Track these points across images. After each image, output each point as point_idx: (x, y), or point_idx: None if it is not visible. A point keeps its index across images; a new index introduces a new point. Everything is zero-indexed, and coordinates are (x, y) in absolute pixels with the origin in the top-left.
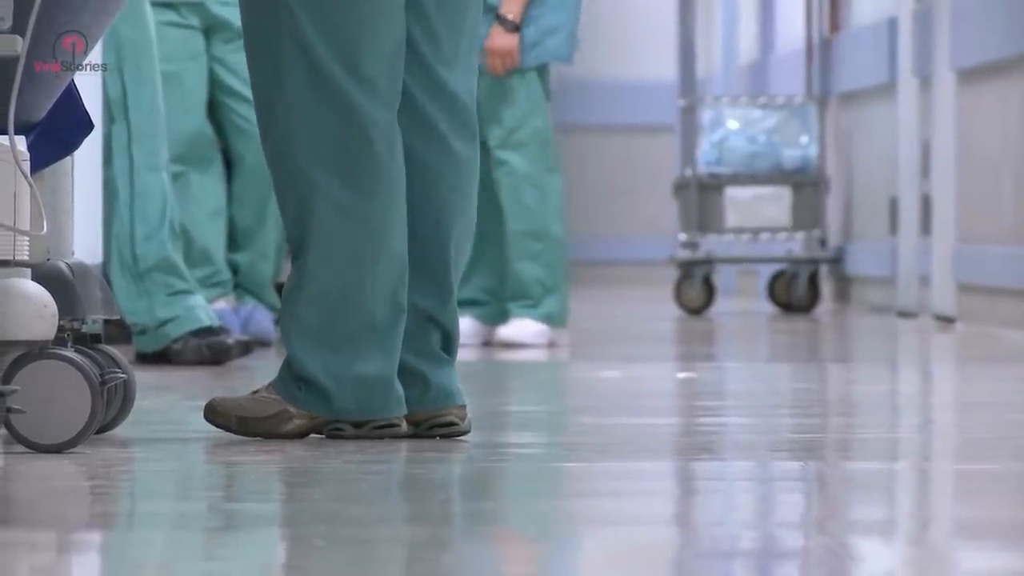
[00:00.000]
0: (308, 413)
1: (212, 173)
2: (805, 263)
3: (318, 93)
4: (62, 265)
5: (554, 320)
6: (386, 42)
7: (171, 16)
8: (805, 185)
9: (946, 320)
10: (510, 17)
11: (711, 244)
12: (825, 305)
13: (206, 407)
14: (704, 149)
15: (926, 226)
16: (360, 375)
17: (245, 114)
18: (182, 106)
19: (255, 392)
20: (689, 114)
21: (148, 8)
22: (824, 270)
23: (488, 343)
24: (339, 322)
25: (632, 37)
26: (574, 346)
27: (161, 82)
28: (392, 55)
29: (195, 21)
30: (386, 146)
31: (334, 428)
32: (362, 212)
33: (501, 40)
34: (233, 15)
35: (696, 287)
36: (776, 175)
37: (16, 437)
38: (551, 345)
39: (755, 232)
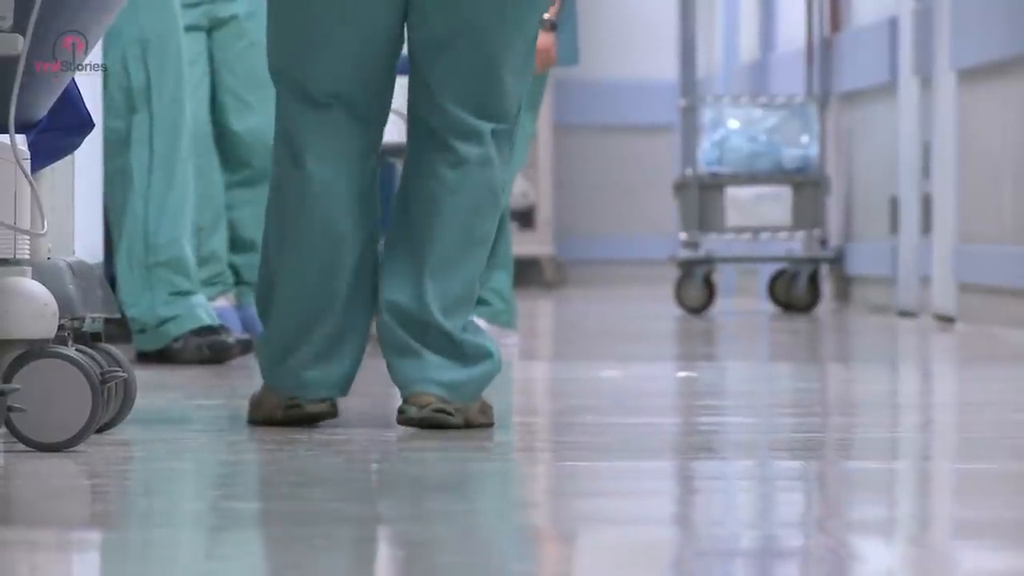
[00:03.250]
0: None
1: (217, 173)
2: (805, 262)
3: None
4: (63, 264)
5: (496, 319)
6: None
7: (184, 19)
8: (806, 185)
9: (946, 320)
10: (546, 16)
11: (711, 243)
12: (825, 305)
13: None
14: (705, 149)
15: (926, 226)
16: (272, 347)
17: (244, 116)
18: None
19: None
20: (690, 114)
21: None
22: (824, 270)
23: None
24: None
25: (633, 37)
26: (560, 345)
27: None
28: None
29: (204, 22)
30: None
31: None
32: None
33: (539, 39)
34: (237, 8)
35: (696, 286)
36: (776, 175)
37: (17, 436)
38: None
39: (755, 232)
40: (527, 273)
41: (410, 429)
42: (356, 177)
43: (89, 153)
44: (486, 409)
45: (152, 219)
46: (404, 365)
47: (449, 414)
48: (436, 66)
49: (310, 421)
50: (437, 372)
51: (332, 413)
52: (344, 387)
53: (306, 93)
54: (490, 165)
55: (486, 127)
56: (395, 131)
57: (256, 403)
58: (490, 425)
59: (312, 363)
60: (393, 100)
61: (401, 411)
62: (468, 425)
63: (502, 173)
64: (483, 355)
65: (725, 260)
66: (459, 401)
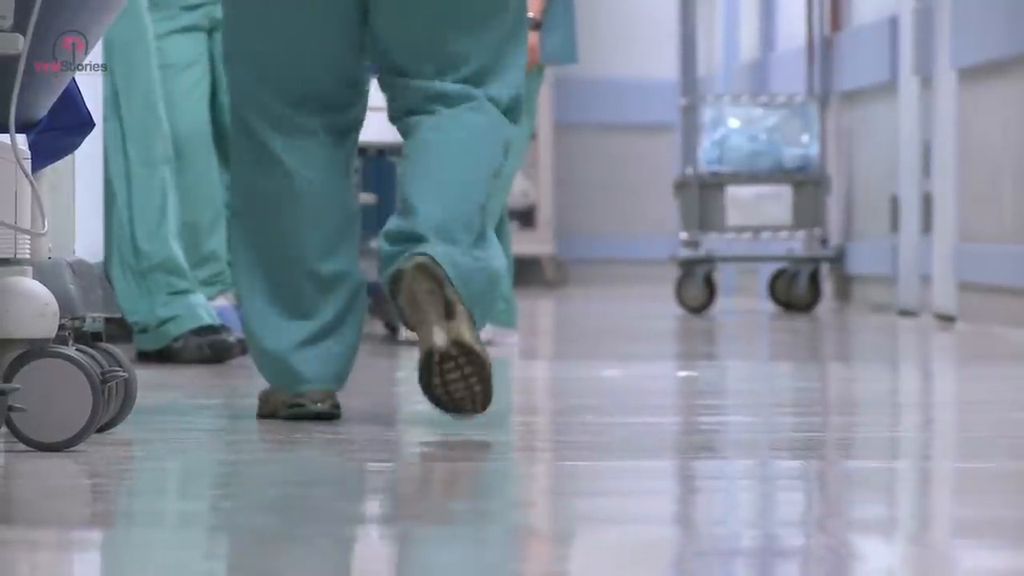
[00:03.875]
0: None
1: (217, 172)
2: (806, 262)
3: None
4: (63, 263)
5: (496, 319)
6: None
7: (183, 20)
8: (806, 184)
9: (947, 319)
10: (530, 14)
11: (712, 243)
12: (826, 304)
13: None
14: (705, 148)
15: (927, 225)
16: (263, 349)
17: None
18: (184, 106)
19: None
20: (690, 113)
21: (142, 3)
22: (825, 269)
23: (489, 343)
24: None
25: (633, 36)
26: (553, 345)
27: (159, 78)
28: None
29: (205, 23)
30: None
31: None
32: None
33: None
34: None
35: (697, 286)
36: (777, 174)
37: (17, 435)
38: (488, 344)
39: (756, 231)
40: (528, 272)
41: (410, 428)
42: (334, 166)
43: (89, 153)
44: (483, 352)
45: (137, 225)
46: (396, 253)
47: (448, 284)
48: (398, 36)
49: (314, 418)
50: (431, 248)
51: (335, 414)
52: (340, 378)
53: (281, 93)
54: (481, 111)
55: (475, 90)
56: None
57: (263, 399)
58: (484, 367)
59: (306, 353)
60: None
61: (394, 278)
62: (459, 342)
63: (501, 130)
64: (485, 268)
65: (726, 259)
66: (458, 283)
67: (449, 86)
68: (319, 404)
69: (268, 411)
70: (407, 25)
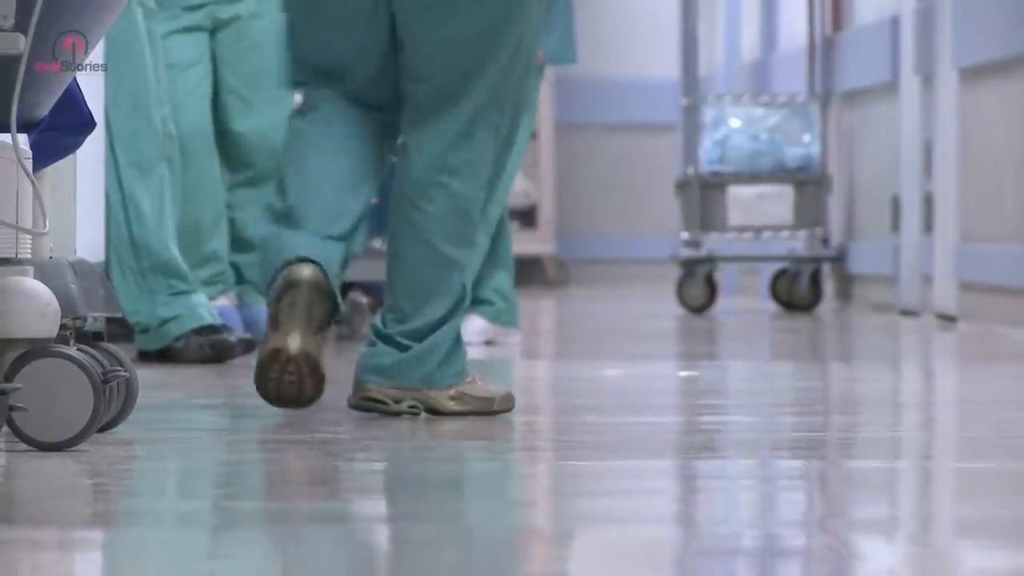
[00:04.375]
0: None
1: (218, 172)
2: (807, 261)
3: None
4: (64, 263)
5: (498, 318)
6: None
7: (185, 20)
8: (807, 184)
9: (948, 319)
10: None
11: (713, 243)
12: (827, 303)
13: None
14: (706, 147)
15: (928, 224)
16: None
17: (247, 117)
18: (186, 106)
19: None
20: (691, 112)
21: (136, 6)
22: (826, 268)
23: (491, 342)
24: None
25: (634, 35)
26: (554, 345)
27: (153, 79)
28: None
29: (207, 23)
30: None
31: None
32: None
33: None
34: (239, 9)
35: (698, 285)
36: (778, 173)
37: (18, 435)
38: (490, 343)
39: (757, 231)
40: (529, 272)
41: (411, 429)
42: (367, 130)
43: (90, 152)
44: (464, 396)
45: (134, 225)
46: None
47: (380, 402)
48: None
49: (308, 291)
50: (376, 358)
51: (320, 279)
52: (331, 261)
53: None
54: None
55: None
56: None
57: (258, 353)
58: (464, 414)
59: (310, 233)
60: None
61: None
62: (433, 411)
63: (477, 225)
64: (429, 332)
65: (727, 259)
66: (397, 384)
67: (447, 158)
68: (305, 271)
69: (263, 359)
70: (427, 51)
